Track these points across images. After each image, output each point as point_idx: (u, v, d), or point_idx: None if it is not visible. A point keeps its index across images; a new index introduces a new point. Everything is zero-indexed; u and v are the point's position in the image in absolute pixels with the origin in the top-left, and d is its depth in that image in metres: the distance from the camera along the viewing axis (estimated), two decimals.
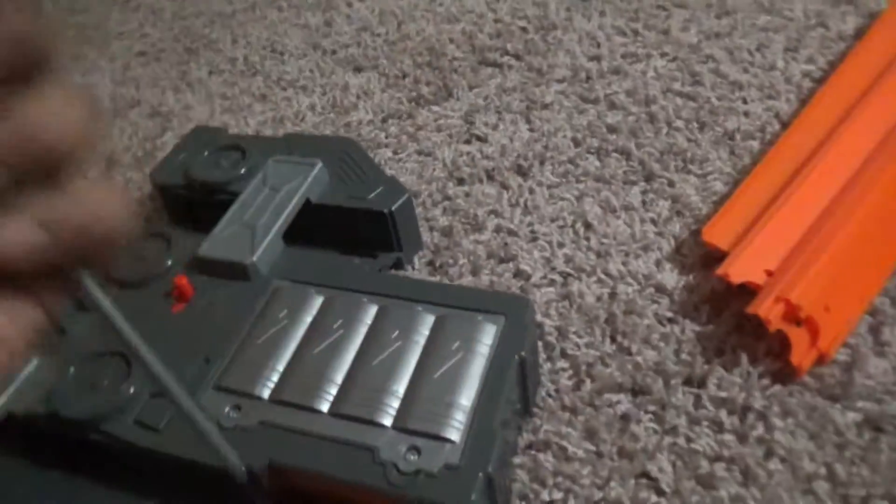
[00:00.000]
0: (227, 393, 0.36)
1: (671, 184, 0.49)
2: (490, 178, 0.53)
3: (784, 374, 0.37)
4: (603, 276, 0.44)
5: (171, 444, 0.34)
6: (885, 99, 0.49)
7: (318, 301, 0.39)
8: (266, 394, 0.36)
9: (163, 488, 0.35)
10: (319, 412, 0.35)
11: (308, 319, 0.39)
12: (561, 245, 0.47)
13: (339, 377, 0.36)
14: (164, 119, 0.66)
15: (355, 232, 0.45)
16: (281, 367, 0.37)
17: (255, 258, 0.41)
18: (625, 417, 0.37)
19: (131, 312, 0.37)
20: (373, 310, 0.39)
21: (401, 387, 0.35)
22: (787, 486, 0.33)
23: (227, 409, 0.35)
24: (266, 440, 0.34)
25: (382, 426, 0.34)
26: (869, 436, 0.34)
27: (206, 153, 0.49)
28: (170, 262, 0.43)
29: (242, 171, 0.47)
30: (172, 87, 0.71)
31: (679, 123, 0.54)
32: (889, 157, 0.44)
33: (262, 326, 0.38)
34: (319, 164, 0.46)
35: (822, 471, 0.33)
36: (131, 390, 0.36)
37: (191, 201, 0.48)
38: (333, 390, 0.35)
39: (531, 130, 0.56)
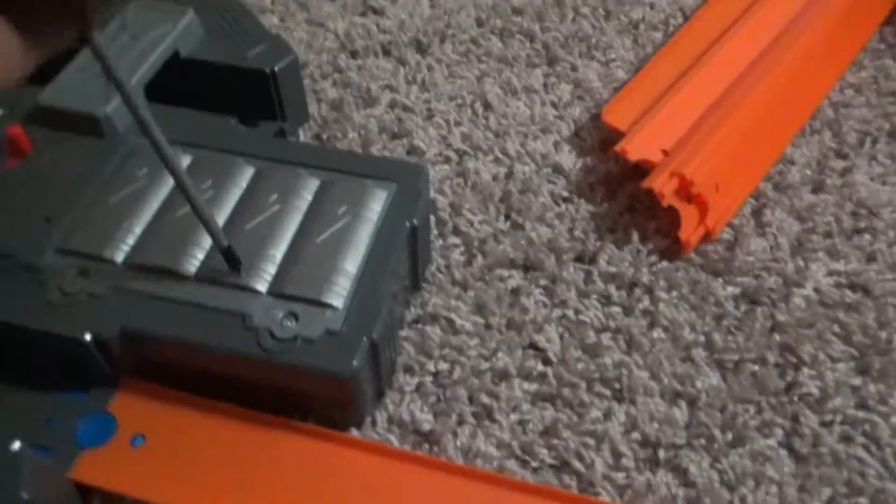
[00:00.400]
0: (73, 256, 0.31)
1: (574, 68, 0.48)
2: (386, 52, 0.49)
3: (672, 251, 0.37)
4: (500, 156, 0.42)
5: (4, 312, 0.30)
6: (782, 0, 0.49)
7: (184, 160, 0.35)
8: (120, 257, 0.31)
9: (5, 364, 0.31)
10: (184, 277, 0.31)
11: (171, 179, 0.34)
12: (458, 123, 0.44)
13: (207, 241, 0.32)
14: None
15: (232, 94, 0.40)
16: (139, 229, 0.32)
17: (109, 110, 0.35)
18: (515, 292, 0.36)
19: None
20: (249, 171, 0.35)
21: (278, 251, 0.32)
22: (668, 353, 0.34)
23: (72, 274, 0.31)
24: (119, 306, 0.30)
25: (256, 291, 0.30)
26: (745, 308, 0.35)
27: None
28: (1, 113, 0.36)
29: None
30: None
31: (585, 10, 0.52)
32: (780, 52, 0.45)
33: (117, 185, 0.34)
34: (191, 13, 0.40)
35: (701, 339, 0.34)
36: None
37: None
38: (200, 254, 0.32)
39: (432, 7, 0.52)
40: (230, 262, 0.30)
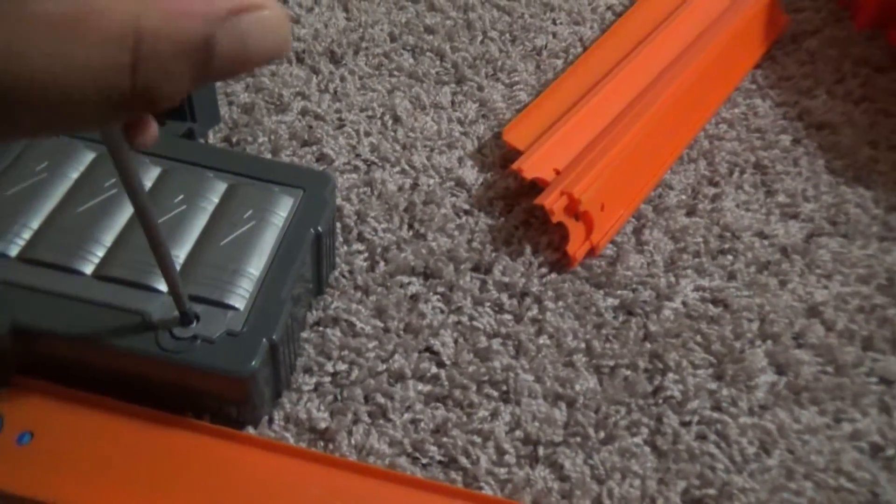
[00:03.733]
0: None
1: (480, 88, 0.50)
2: (300, 60, 0.50)
3: (560, 264, 0.41)
4: (406, 167, 0.44)
5: None
6: (669, 37, 0.54)
7: (87, 156, 0.35)
8: (13, 251, 0.31)
9: None
10: (81, 274, 0.31)
11: (73, 175, 0.34)
12: (368, 134, 0.46)
13: (108, 239, 0.32)
14: None
15: None
16: (35, 224, 0.32)
17: None
18: (414, 298, 0.38)
19: None
20: (155, 172, 0.35)
21: (181, 252, 0.32)
22: (552, 358, 0.37)
23: None
24: (11, 301, 0.30)
25: (156, 290, 0.31)
26: (622, 318, 0.39)
27: None
28: None
29: None
30: None
31: (493, 34, 0.55)
32: (664, 85, 0.49)
33: (12, 179, 0.33)
34: None
35: (582, 346, 0.37)
36: None
37: None
38: (100, 252, 0.32)
39: (348, 19, 0.54)
40: (184, 320, 0.30)
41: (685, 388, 0.36)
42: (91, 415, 0.30)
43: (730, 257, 0.43)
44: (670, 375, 0.37)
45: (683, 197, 0.46)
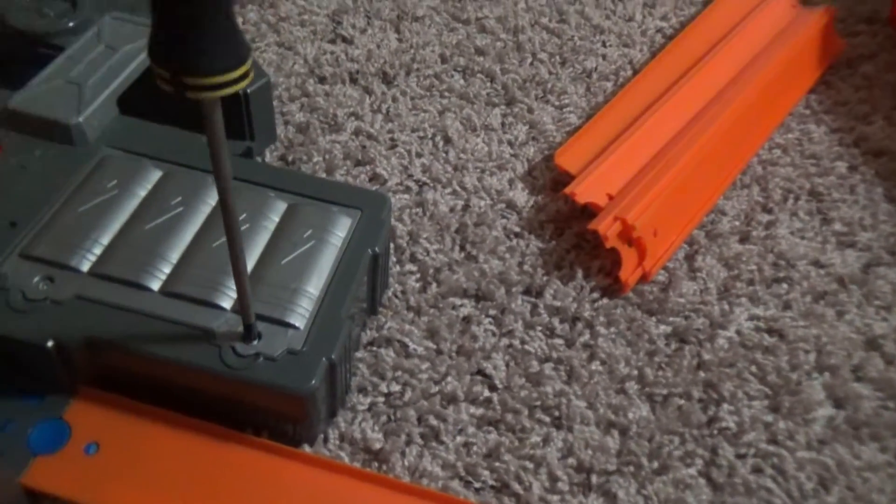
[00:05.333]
0: (37, 262, 0.32)
1: (530, 110, 0.51)
2: (353, 80, 0.51)
3: (612, 289, 0.40)
4: (458, 189, 0.45)
5: None
6: (722, 61, 0.54)
7: (154, 175, 0.36)
8: (85, 266, 0.32)
9: None
10: (149, 290, 0.32)
11: (142, 193, 0.35)
12: (419, 155, 0.47)
13: (175, 256, 0.33)
14: None
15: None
16: (105, 239, 0.33)
17: (80, 119, 0.36)
18: (466, 320, 0.38)
19: None
20: None
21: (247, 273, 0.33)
22: (605, 385, 0.36)
23: (35, 280, 0.31)
24: (83, 315, 0.31)
25: (220, 308, 0.32)
26: (675, 346, 0.38)
27: None
28: None
29: (71, 24, 0.41)
30: None
31: (543, 56, 0.55)
32: (717, 110, 0.49)
33: (85, 195, 0.34)
34: None
35: (635, 373, 0.37)
36: None
37: (2, 50, 0.41)
38: (167, 268, 0.33)
39: (400, 41, 0.55)
40: (248, 335, 0.30)
41: (740, 419, 0.36)
42: (155, 427, 0.31)
43: (785, 286, 0.42)
44: (725, 406, 0.36)
45: (737, 223, 0.45)
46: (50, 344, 0.30)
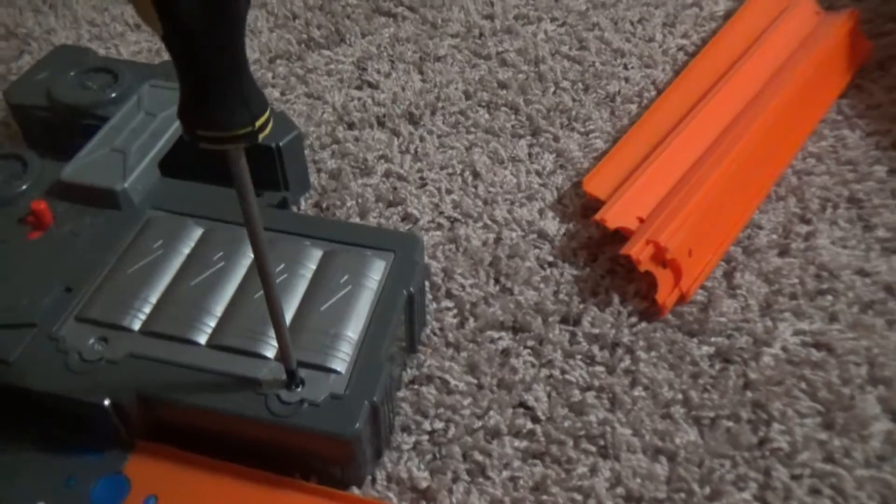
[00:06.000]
0: (92, 324, 0.33)
1: (556, 139, 0.51)
2: (381, 124, 0.52)
3: (650, 312, 0.40)
4: (489, 222, 0.45)
5: (26, 378, 0.31)
6: (747, 74, 0.53)
7: (196, 232, 0.37)
8: (136, 325, 0.34)
9: (22, 423, 0.32)
10: (196, 344, 0.33)
11: (185, 251, 0.37)
12: (449, 191, 0.47)
13: (219, 309, 0.34)
14: (22, 41, 0.60)
15: None
16: (154, 298, 0.35)
17: (126, 185, 0.38)
18: (505, 352, 0.39)
19: None
20: None
21: (285, 318, 0.34)
22: (649, 410, 0.36)
23: (91, 341, 0.33)
24: (135, 372, 0.32)
25: (264, 357, 0.33)
26: (719, 366, 0.38)
27: (71, 74, 0.45)
28: (25, 187, 0.39)
29: (113, 95, 0.43)
30: (32, 7, 0.64)
31: (565, 84, 0.56)
32: (746, 123, 0.49)
33: (133, 256, 0.36)
34: None
35: (679, 397, 0.37)
36: None
37: (51, 124, 0.44)
38: (212, 322, 0.34)
39: (423, 81, 0.56)
40: (291, 381, 0.31)
41: (793, 438, 0.35)
42: (209, 477, 0.32)
43: (829, 298, 0.41)
44: (775, 426, 0.35)
45: (774, 237, 0.44)
46: (107, 402, 0.31)
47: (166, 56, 0.58)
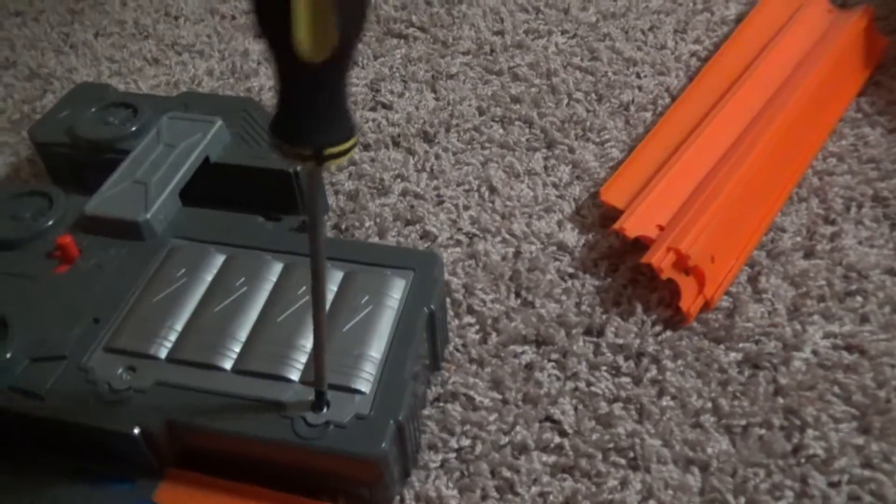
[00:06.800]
0: (120, 354, 0.34)
1: (571, 150, 0.51)
2: (396, 144, 0.53)
3: (674, 320, 0.40)
4: (507, 236, 0.45)
5: (58, 410, 0.32)
6: (762, 76, 0.53)
7: (219, 259, 0.38)
8: (163, 353, 0.34)
9: (54, 456, 0.33)
10: (222, 370, 0.33)
11: (208, 278, 0.37)
12: (466, 207, 0.48)
13: (243, 334, 0.35)
14: (45, 81, 0.61)
15: (258, 193, 0.44)
16: (179, 326, 0.35)
17: (149, 216, 0.39)
18: (529, 367, 0.38)
19: (7, 273, 0.35)
20: (278, 267, 0.38)
21: (308, 341, 0.34)
22: (678, 420, 0.35)
23: (119, 371, 0.33)
24: (163, 400, 0.32)
25: (289, 380, 0.33)
26: (748, 372, 0.37)
27: (92, 110, 0.46)
28: (51, 222, 0.39)
29: (133, 128, 0.44)
30: (54, 48, 0.65)
31: (578, 95, 0.56)
32: (764, 125, 0.48)
33: (158, 286, 0.36)
34: (219, 122, 0.44)
35: (709, 405, 0.36)
36: (8, 355, 0.33)
37: (75, 160, 0.45)
38: (237, 347, 0.34)
39: (437, 99, 0.57)
40: (319, 403, 0.31)
41: (828, 444, 0.34)
42: (238, 502, 0.32)
43: (859, 299, 0.40)
44: (810, 432, 0.35)
45: (798, 239, 0.44)
46: (136, 431, 0.31)
47: (184, 88, 0.60)
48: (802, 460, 0.34)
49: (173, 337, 0.34)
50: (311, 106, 0.23)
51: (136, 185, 0.40)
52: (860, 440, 0.34)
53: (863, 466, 0.33)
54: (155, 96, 0.53)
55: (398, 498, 0.34)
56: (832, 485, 0.33)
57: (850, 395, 0.36)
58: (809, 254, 0.43)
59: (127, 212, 0.39)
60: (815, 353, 0.38)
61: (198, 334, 0.34)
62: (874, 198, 0.46)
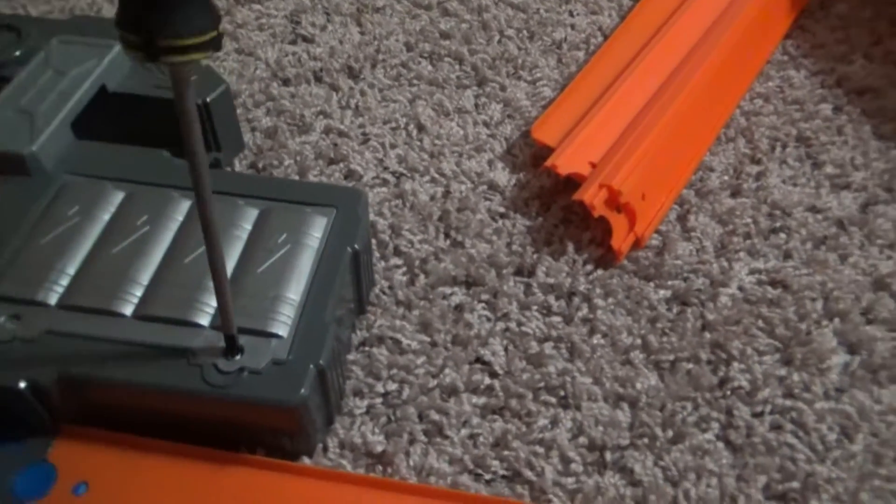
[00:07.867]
0: (4, 301, 0.30)
1: (503, 88, 0.49)
2: (318, 79, 0.50)
3: (605, 259, 0.39)
4: (436, 176, 0.43)
5: None
6: (692, 17, 0.52)
7: (117, 196, 0.34)
8: (53, 299, 0.31)
9: None
10: (121, 315, 0.30)
11: (105, 217, 0.33)
12: (394, 146, 0.45)
13: (145, 277, 0.32)
14: None
15: (163, 126, 0.40)
16: (72, 269, 0.32)
17: (35, 148, 0.34)
18: (458, 308, 0.37)
19: None
20: (185, 205, 0.34)
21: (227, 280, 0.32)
22: (609, 358, 0.35)
23: (2, 320, 0.30)
24: (54, 350, 0.29)
25: (198, 325, 0.30)
26: (677, 309, 0.37)
27: None
28: None
29: (17, 53, 0.39)
30: None
31: (510, 32, 0.53)
32: (693, 66, 0.48)
33: (47, 226, 0.33)
34: (117, 47, 0.40)
35: (638, 342, 0.36)
36: None
37: None
38: (138, 291, 0.31)
39: (362, 33, 0.53)
40: (230, 348, 0.29)
41: (753, 376, 0.35)
42: (145, 459, 0.30)
43: (783, 235, 0.41)
44: (735, 365, 0.35)
45: (726, 178, 0.44)
46: (23, 385, 0.28)
47: (79, 13, 0.54)
48: (728, 392, 0.34)
49: (65, 281, 0.31)
50: None
51: (20, 115, 0.36)
52: (783, 371, 0.35)
53: (784, 396, 0.34)
54: (44, 19, 0.48)
55: (321, 446, 0.32)
56: (756, 415, 0.33)
57: (774, 329, 0.36)
58: (736, 192, 0.43)
59: (9, 143, 0.35)
60: (740, 288, 0.38)
61: (93, 278, 0.31)
62: (798, 138, 0.46)
